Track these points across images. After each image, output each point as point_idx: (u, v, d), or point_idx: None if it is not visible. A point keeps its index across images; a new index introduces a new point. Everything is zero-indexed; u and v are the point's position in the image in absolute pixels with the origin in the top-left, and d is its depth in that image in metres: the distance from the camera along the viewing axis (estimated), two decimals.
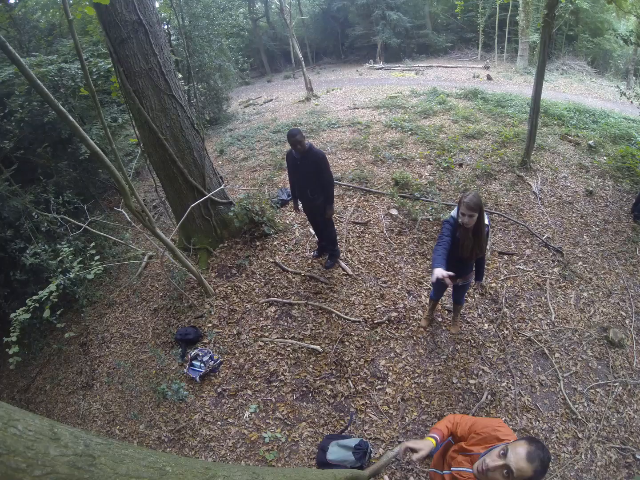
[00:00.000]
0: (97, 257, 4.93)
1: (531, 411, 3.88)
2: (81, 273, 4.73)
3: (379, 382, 4.18)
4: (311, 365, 4.41)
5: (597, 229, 6.02)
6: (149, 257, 6.47)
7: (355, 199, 6.62)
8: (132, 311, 5.99)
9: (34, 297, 4.20)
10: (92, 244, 5.10)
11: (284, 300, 5.10)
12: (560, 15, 7.77)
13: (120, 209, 5.24)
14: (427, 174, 7.18)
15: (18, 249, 6.29)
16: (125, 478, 1.04)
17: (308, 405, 4.09)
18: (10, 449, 0.86)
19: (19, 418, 0.94)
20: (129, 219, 5.41)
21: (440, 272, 2.70)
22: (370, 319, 4.76)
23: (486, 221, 3.29)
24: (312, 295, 5.13)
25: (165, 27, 11.53)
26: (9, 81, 6.73)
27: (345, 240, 5.83)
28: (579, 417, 3.85)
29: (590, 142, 8.25)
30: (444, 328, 4.60)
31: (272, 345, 4.70)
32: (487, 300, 4.90)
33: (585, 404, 3.97)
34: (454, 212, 3.31)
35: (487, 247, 5.53)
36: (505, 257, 5.51)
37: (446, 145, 8.10)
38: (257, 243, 5.98)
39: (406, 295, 5.01)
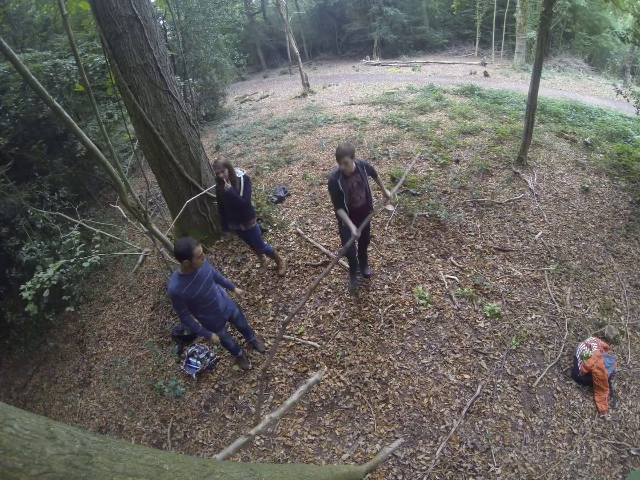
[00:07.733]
0: (97, 245, 4.94)
1: (527, 406, 3.91)
2: (80, 259, 4.75)
3: (375, 377, 4.19)
4: (308, 362, 4.42)
5: (593, 225, 6.05)
6: (145, 254, 6.44)
7: None
8: (128, 308, 5.98)
9: (32, 280, 4.28)
10: (97, 231, 5.11)
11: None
12: (557, 13, 7.78)
13: (116, 206, 5.22)
14: (423, 170, 7.18)
15: (13, 246, 6.26)
16: (123, 476, 1.04)
17: (305, 401, 4.10)
18: (6, 448, 0.85)
19: (15, 417, 0.93)
20: (125, 216, 5.39)
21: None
22: (366, 315, 4.77)
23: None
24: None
25: (161, 22, 11.45)
26: (4, 77, 6.67)
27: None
28: (574, 413, 3.89)
29: (587, 139, 8.27)
30: (440, 327, 4.62)
31: (269, 341, 4.70)
32: (482, 297, 4.92)
33: (581, 399, 4.01)
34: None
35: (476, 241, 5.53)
36: (501, 253, 5.52)
37: (443, 141, 8.09)
38: None
39: (403, 291, 5.02)
